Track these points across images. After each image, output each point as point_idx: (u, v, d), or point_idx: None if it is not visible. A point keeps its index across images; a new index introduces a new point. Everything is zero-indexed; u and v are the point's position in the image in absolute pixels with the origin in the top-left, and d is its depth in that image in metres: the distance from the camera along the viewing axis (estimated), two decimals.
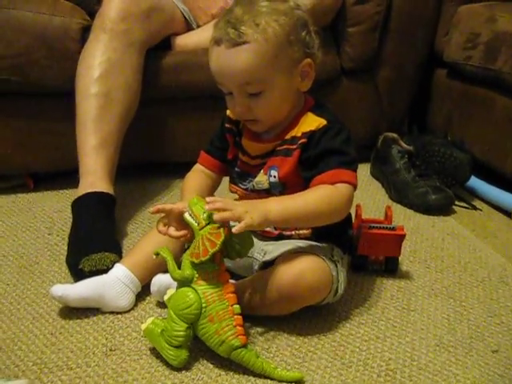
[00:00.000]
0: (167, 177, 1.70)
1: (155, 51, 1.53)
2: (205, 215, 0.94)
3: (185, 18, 1.64)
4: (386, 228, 1.20)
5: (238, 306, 0.94)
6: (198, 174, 1.17)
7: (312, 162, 1.01)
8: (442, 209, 1.55)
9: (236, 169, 1.12)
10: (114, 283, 1.07)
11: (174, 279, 0.96)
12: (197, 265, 0.93)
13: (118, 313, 1.08)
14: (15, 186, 1.62)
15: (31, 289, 1.15)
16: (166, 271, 1.01)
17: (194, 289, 0.94)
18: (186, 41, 1.61)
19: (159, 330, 0.95)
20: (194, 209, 0.95)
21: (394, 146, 1.67)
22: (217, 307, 0.93)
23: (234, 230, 0.91)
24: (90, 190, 1.28)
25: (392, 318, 1.12)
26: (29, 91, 1.51)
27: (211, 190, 1.17)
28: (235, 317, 0.93)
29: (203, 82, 1.55)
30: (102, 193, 1.28)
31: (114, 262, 1.11)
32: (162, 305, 1.10)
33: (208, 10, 1.67)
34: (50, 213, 1.48)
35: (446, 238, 1.44)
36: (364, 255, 1.23)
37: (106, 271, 1.10)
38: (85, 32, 1.46)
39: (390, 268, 1.25)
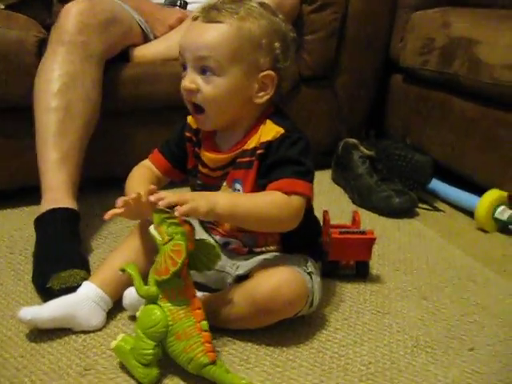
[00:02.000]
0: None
1: (113, 63, 1.50)
2: (169, 230, 0.91)
3: (142, 29, 1.62)
4: (356, 232, 1.21)
5: (205, 322, 0.91)
6: (145, 169, 1.16)
7: (267, 170, 1.00)
8: (406, 211, 1.57)
9: (198, 181, 1.11)
10: (85, 302, 1.03)
11: (140, 296, 0.94)
12: (160, 282, 0.91)
13: (89, 331, 1.04)
14: None
15: None
16: None
17: (160, 306, 0.91)
18: (144, 52, 1.59)
19: (129, 348, 0.93)
20: (158, 223, 0.93)
21: (354, 152, 1.69)
22: (183, 324, 0.90)
23: (176, 212, 0.89)
24: (53, 206, 1.23)
25: (368, 321, 1.12)
26: None
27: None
28: (203, 333, 0.91)
29: (163, 93, 1.55)
30: (66, 209, 1.24)
31: (84, 279, 1.08)
32: (134, 319, 1.06)
33: (165, 21, 1.65)
34: (10, 231, 1.42)
35: (413, 241, 1.46)
36: (335, 261, 1.23)
37: (75, 288, 1.06)
38: (41, 45, 1.42)
39: (362, 272, 1.25)
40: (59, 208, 1.24)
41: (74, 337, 1.03)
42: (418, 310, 1.16)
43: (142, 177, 1.13)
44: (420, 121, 1.77)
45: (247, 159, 1.03)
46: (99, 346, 1.01)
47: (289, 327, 1.06)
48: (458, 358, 1.02)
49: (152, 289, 0.92)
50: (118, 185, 1.66)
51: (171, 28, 1.63)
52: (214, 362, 0.90)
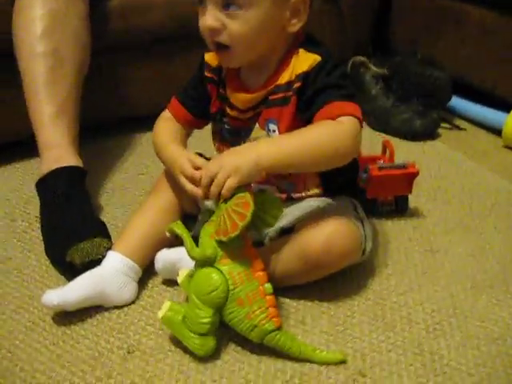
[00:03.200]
0: (127, 133, 1.52)
1: None
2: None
3: None
4: (397, 167, 1.11)
5: (269, 284, 0.82)
6: (171, 123, 1.03)
7: (308, 102, 0.88)
8: (429, 133, 1.47)
9: (226, 126, 0.98)
10: (114, 276, 0.92)
11: (193, 259, 0.83)
12: (223, 242, 0.80)
13: (123, 306, 0.93)
14: None
15: (12, 292, 0.97)
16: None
17: (218, 269, 0.81)
18: None
19: (180, 318, 0.83)
20: None
21: (365, 71, 1.56)
22: (246, 288, 0.81)
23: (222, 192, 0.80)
24: (56, 166, 1.09)
25: (418, 263, 1.04)
26: None
27: (186, 142, 1.04)
28: (267, 297, 0.82)
29: (155, 24, 1.39)
30: (71, 167, 1.10)
31: (108, 249, 0.96)
32: (168, 283, 0.98)
33: None
34: (4, 193, 1.27)
35: (442, 165, 1.37)
36: (373, 198, 1.13)
37: (99, 261, 0.95)
38: None
39: (401, 207, 1.17)
40: (63, 167, 1.09)
41: (107, 314, 0.92)
42: (467, 245, 1.09)
43: (169, 135, 1.00)
44: (431, 33, 1.64)
45: (281, 95, 0.91)
46: (138, 322, 0.91)
47: (337, 278, 0.97)
48: None
49: (209, 250, 0.81)
50: (113, 127, 1.53)
51: None
52: (279, 328, 0.82)
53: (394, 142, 1.45)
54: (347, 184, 1.01)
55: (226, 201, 0.81)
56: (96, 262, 0.94)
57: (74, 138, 1.15)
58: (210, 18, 0.85)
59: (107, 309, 0.93)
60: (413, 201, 1.20)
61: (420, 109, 1.48)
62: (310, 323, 0.90)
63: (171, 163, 0.94)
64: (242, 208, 0.78)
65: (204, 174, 0.83)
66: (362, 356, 0.84)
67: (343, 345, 0.86)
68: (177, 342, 0.86)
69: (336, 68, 0.89)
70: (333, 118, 0.86)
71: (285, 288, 0.94)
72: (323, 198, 0.96)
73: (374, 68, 1.55)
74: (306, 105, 0.89)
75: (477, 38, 1.51)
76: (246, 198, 0.79)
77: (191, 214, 1.02)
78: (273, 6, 0.86)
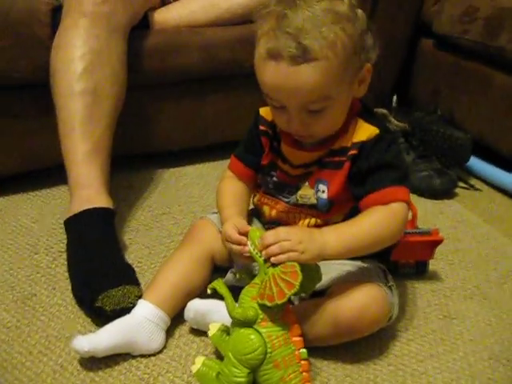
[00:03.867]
0: (153, 169, 1.55)
1: (133, 31, 1.33)
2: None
3: None
4: (421, 233, 1.13)
5: (304, 350, 0.85)
6: (234, 183, 1.05)
7: (363, 177, 0.92)
8: (447, 192, 1.50)
9: (274, 178, 1.00)
10: (144, 325, 0.94)
11: (234, 319, 0.85)
12: (267, 307, 0.82)
13: (150, 355, 0.95)
14: None
15: (39, 331, 0.99)
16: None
17: (257, 331, 0.83)
18: (166, 16, 1.43)
19: (214, 374, 0.85)
20: (258, 242, 0.85)
21: (386, 124, 1.59)
22: (283, 352, 0.83)
23: (272, 259, 0.83)
24: (88, 207, 1.10)
25: (437, 329, 1.06)
26: None
27: (249, 202, 1.06)
28: (302, 362, 0.84)
29: (189, 64, 1.42)
30: (102, 208, 1.11)
31: (138, 297, 0.98)
32: (195, 333, 0.99)
33: None
34: (27, 223, 1.29)
35: (459, 227, 1.39)
36: (395, 260, 1.16)
37: (130, 309, 0.96)
38: (54, 15, 1.25)
39: (421, 270, 1.19)
40: (94, 208, 1.11)
41: (135, 363, 0.93)
42: (484, 313, 1.11)
43: (235, 196, 1.03)
44: (453, 92, 1.67)
45: (336, 159, 0.94)
46: (165, 374, 0.92)
47: (361, 341, 0.99)
48: None
49: (251, 312, 0.83)
50: (139, 163, 1.55)
51: None
52: None
53: (413, 198, 1.49)
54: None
55: (273, 266, 0.83)
56: (126, 310, 0.96)
57: (106, 177, 1.17)
58: (296, 123, 0.89)
59: (135, 357, 0.94)
60: (431, 262, 1.22)
61: (439, 167, 1.51)
62: None
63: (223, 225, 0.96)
64: (290, 277, 0.80)
65: (273, 236, 0.85)
66: None
67: None
68: None
69: (392, 144, 0.93)
70: (385, 203, 0.90)
71: (309, 347, 0.96)
72: (353, 262, 0.98)
73: (395, 122, 1.58)
74: (359, 177, 0.92)
75: (499, 102, 1.53)
76: (296, 268, 0.81)
77: (222, 267, 1.04)
78: (347, 90, 0.89)
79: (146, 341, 0.93)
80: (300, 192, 0.97)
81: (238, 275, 0.96)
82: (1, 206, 1.35)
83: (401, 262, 1.17)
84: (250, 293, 0.85)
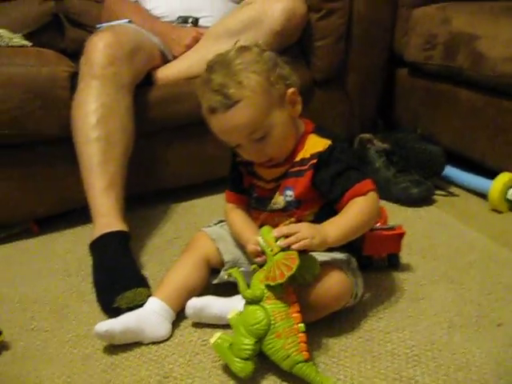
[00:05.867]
0: (164, 203, 1.79)
1: (139, 88, 1.59)
2: (279, 243, 1.05)
3: (160, 50, 1.72)
4: (387, 229, 1.32)
5: (302, 324, 1.03)
6: (237, 211, 1.27)
7: (332, 182, 1.13)
8: (425, 200, 1.69)
9: (254, 194, 1.23)
10: (152, 315, 1.16)
11: (245, 297, 1.05)
12: (271, 286, 1.02)
13: (159, 342, 1.16)
14: (19, 232, 1.66)
15: (71, 331, 1.22)
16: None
17: (263, 307, 1.03)
18: (167, 73, 1.69)
19: (227, 345, 1.05)
20: (267, 237, 1.06)
21: (370, 146, 1.79)
22: (284, 324, 1.02)
23: (293, 246, 1.03)
24: (106, 231, 1.34)
25: (405, 308, 1.24)
26: (24, 141, 1.55)
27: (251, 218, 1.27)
28: (299, 334, 1.02)
29: (189, 110, 1.64)
30: (119, 231, 1.35)
31: (148, 296, 1.20)
32: (197, 326, 1.20)
33: (181, 41, 1.75)
34: (62, 254, 1.54)
35: (434, 228, 1.57)
36: (369, 255, 1.34)
37: (141, 306, 1.18)
38: (72, 78, 1.52)
39: (393, 263, 1.37)
40: (112, 231, 1.35)
41: (147, 349, 1.15)
42: (449, 294, 1.28)
43: (242, 220, 1.25)
44: (428, 111, 1.88)
45: (297, 169, 1.16)
46: (172, 355, 1.13)
47: (335, 321, 1.18)
48: (488, 334, 1.14)
49: (258, 291, 1.03)
50: (151, 198, 1.80)
51: (188, 47, 1.73)
52: (307, 361, 1.02)
53: (395, 208, 1.69)
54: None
55: (276, 254, 1.04)
56: (138, 307, 1.18)
57: (121, 206, 1.41)
58: (252, 153, 1.13)
59: (147, 344, 1.15)
60: (406, 258, 1.40)
61: (417, 178, 1.70)
62: (313, 354, 1.09)
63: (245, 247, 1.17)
64: (290, 262, 1.01)
65: (287, 229, 1.05)
66: (351, 381, 1.04)
67: (336, 372, 1.06)
68: (202, 369, 1.08)
69: (345, 150, 1.15)
70: (363, 194, 1.11)
71: None
72: (327, 254, 1.16)
73: (378, 143, 1.79)
74: (326, 183, 1.13)
75: (467, 115, 1.73)
76: (295, 255, 1.01)
77: (216, 268, 1.26)
78: (280, 114, 1.12)
79: (153, 328, 1.15)
80: (273, 200, 1.19)
81: (252, 268, 1.14)
82: (39, 241, 1.62)
83: (374, 258, 1.36)
84: (258, 277, 1.06)
